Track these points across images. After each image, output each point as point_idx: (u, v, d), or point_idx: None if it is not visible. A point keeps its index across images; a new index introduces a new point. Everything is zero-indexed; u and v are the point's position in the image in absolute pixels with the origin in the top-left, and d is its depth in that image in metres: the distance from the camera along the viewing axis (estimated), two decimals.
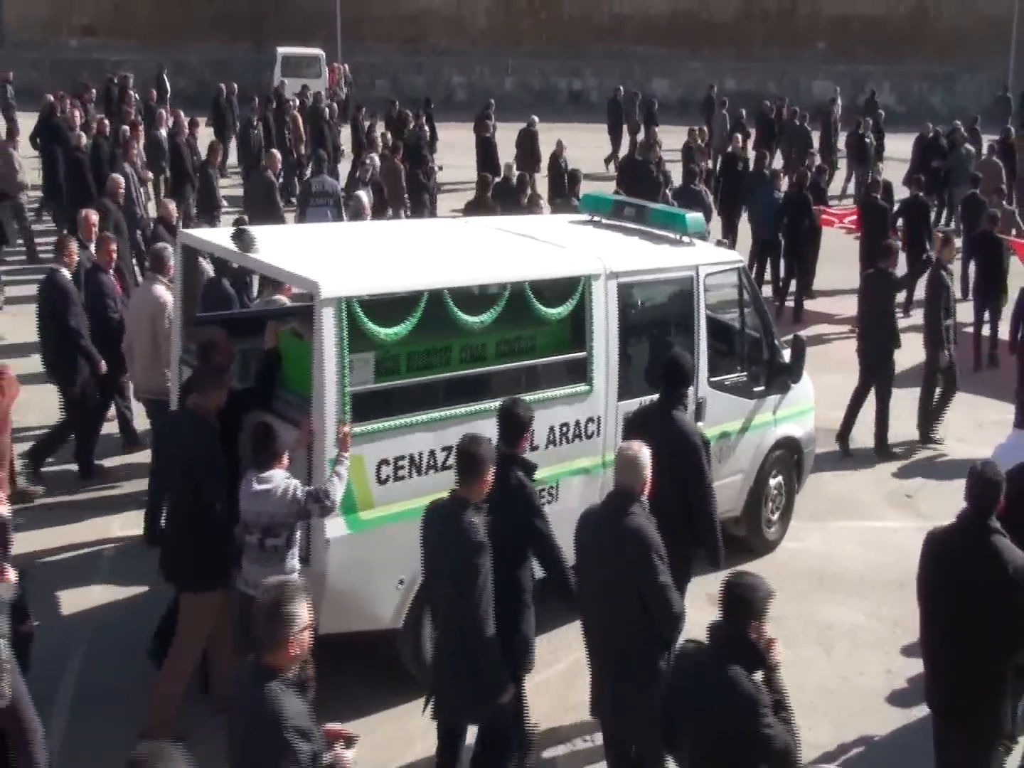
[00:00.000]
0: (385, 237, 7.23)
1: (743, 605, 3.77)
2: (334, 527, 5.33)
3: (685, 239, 7.19)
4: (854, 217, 13.59)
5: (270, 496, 5.01)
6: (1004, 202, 13.64)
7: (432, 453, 5.65)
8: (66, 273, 7.87)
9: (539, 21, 33.21)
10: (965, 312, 11.65)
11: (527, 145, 17.40)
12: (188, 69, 29.92)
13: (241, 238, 5.54)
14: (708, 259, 7.14)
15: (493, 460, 4.60)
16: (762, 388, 7.42)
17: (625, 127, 20.91)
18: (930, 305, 9.66)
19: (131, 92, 19.20)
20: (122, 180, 10.36)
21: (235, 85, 21.18)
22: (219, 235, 6.55)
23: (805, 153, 16.16)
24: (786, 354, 7.69)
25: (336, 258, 5.95)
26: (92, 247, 8.51)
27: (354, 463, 5.31)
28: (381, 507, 5.52)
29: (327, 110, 17.60)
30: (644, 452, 4.58)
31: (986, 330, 11.73)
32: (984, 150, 17.52)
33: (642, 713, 4.47)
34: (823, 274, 13.99)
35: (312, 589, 5.10)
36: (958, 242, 12.56)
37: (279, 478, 5.04)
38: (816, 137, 20.34)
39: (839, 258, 13.96)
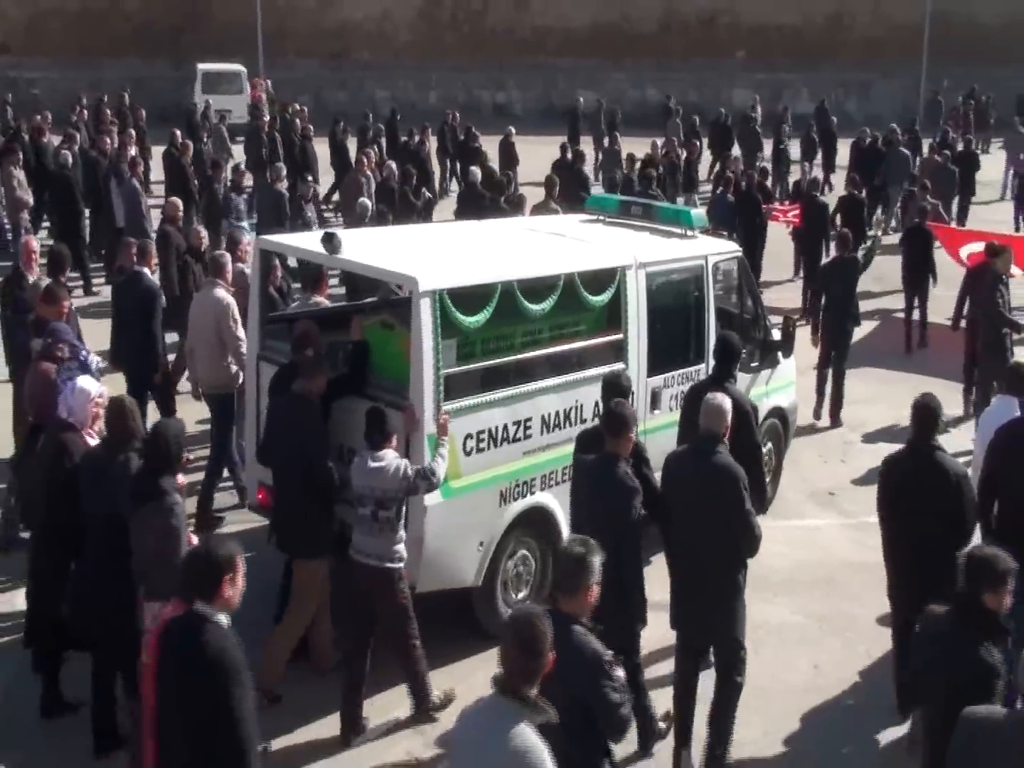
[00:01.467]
0: (446, 237, 7.87)
1: (983, 575, 4.10)
2: (431, 495, 5.94)
3: (690, 233, 8.02)
4: (797, 211, 14.73)
5: (384, 473, 5.53)
6: (928, 196, 14.89)
7: (505, 427, 6.35)
8: (148, 273, 8.37)
9: (462, 35, 33.82)
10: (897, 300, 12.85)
11: (506, 152, 19.20)
12: (105, 87, 29.42)
13: (331, 241, 6.15)
14: (715, 249, 7.99)
15: (636, 420, 5.36)
16: (757, 364, 8.32)
17: (591, 137, 22.05)
18: (991, 312, 9.77)
19: (108, 112, 19.33)
20: (180, 204, 10.73)
21: (209, 100, 21.21)
22: (299, 239, 7.16)
23: (754, 156, 17.23)
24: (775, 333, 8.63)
25: (421, 256, 6.57)
26: (31, 277, 8.33)
27: None
28: (467, 476, 6.19)
29: (310, 127, 18.03)
30: (727, 402, 5.43)
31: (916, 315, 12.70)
32: (926, 150, 18.81)
33: (725, 621, 5.28)
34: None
35: (411, 552, 5.81)
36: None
37: (391, 457, 5.59)
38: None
39: (775, 255, 14.79)
